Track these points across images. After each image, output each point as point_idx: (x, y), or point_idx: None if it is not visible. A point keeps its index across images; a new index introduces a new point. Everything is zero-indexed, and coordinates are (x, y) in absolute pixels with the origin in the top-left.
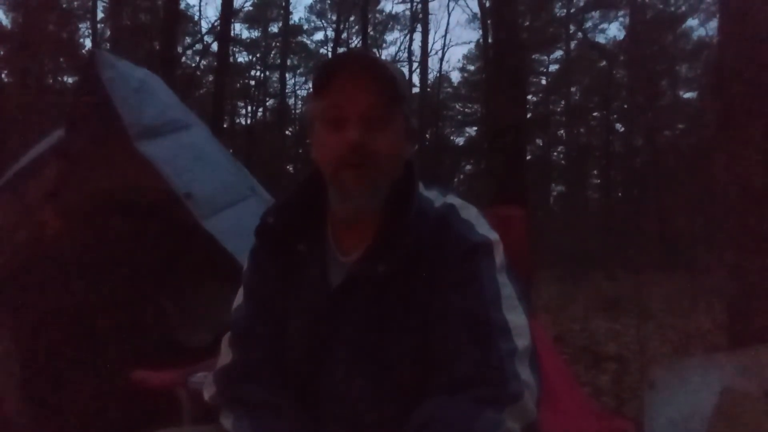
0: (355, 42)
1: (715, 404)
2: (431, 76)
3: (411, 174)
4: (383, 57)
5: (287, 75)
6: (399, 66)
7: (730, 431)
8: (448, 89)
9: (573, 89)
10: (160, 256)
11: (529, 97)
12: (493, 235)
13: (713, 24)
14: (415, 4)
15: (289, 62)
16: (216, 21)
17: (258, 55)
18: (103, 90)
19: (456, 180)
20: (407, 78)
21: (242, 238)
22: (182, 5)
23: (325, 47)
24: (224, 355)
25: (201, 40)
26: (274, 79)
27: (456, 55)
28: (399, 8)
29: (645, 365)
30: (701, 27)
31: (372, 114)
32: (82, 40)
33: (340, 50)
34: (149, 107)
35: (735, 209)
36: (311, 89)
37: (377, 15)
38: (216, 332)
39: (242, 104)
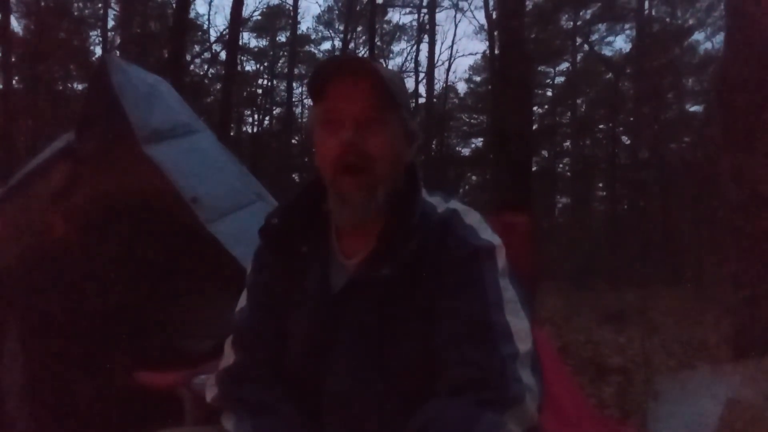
0: (363, 52)
1: (720, 415)
2: (438, 87)
3: (414, 178)
4: (389, 67)
5: (294, 84)
6: (401, 73)
7: None
8: (455, 100)
9: (579, 101)
10: (165, 260)
11: (535, 108)
12: (496, 240)
13: (720, 38)
14: (422, 15)
15: (296, 71)
16: (225, 30)
17: (266, 64)
18: (112, 93)
19: (461, 190)
20: (412, 87)
21: (247, 243)
22: (191, 14)
23: None
24: (227, 356)
25: (209, 48)
26: (281, 88)
27: (462, 65)
28: (406, 19)
29: (650, 377)
30: (708, 41)
31: (366, 116)
32: (92, 47)
33: (337, 55)
34: (158, 111)
35: (739, 218)
36: (308, 94)
37: (384, 25)
38: (219, 338)
39: (249, 112)
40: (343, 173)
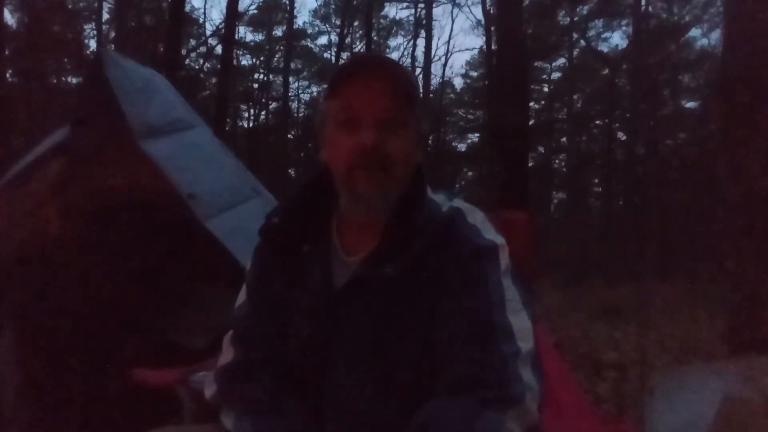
0: (359, 47)
1: (716, 412)
2: (434, 82)
3: (420, 177)
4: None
5: (290, 78)
6: (413, 72)
7: None
8: (451, 95)
9: (575, 97)
10: (162, 256)
11: (532, 104)
12: (499, 239)
13: (716, 34)
14: (418, 9)
15: (292, 66)
16: (220, 24)
17: (261, 59)
18: (108, 88)
19: (457, 186)
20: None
21: (244, 238)
22: (187, 7)
23: (329, 51)
24: (226, 353)
25: (205, 42)
26: (278, 82)
27: (459, 61)
28: (403, 14)
29: (645, 373)
30: (704, 37)
31: (387, 117)
32: (87, 41)
33: (344, 55)
34: (154, 106)
35: (737, 216)
36: (326, 89)
37: (381, 20)
38: (216, 335)
39: (245, 107)
40: (360, 172)
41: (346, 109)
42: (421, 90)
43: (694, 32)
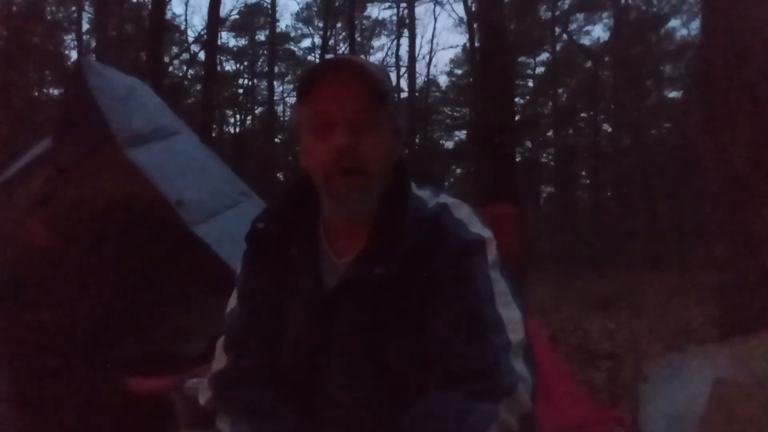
0: (343, 48)
1: (709, 395)
2: (419, 81)
3: (403, 175)
4: (371, 62)
5: (275, 83)
6: (384, 67)
7: (723, 422)
8: (437, 93)
9: (560, 91)
10: (151, 264)
11: (517, 99)
12: (486, 233)
13: (695, 24)
14: (401, 9)
15: (276, 70)
16: (202, 30)
17: (245, 64)
18: (90, 98)
19: (446, 183)
20: (394, 82)
21: (235, 243)
22: (168, 15)
23: (313, 54)
24: (219, 359)
25: (188, 49)
26: (262, 87)
27: (443, 59)
28: (385, 14)
29: (638, 361)
30: (684, 27)
31: (359, 118)
32: (67, 51)
33: (328, 57)
34: (137, 114)
35: (722, 203)
36: (296, 96)
37: (364, 21)
38: (208, 341)
39: (230, 113)
40: (338, 176)
41: (316, 113)
42: (406, 89)
43: (674, 22)
